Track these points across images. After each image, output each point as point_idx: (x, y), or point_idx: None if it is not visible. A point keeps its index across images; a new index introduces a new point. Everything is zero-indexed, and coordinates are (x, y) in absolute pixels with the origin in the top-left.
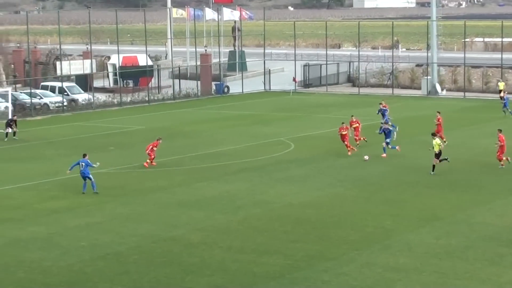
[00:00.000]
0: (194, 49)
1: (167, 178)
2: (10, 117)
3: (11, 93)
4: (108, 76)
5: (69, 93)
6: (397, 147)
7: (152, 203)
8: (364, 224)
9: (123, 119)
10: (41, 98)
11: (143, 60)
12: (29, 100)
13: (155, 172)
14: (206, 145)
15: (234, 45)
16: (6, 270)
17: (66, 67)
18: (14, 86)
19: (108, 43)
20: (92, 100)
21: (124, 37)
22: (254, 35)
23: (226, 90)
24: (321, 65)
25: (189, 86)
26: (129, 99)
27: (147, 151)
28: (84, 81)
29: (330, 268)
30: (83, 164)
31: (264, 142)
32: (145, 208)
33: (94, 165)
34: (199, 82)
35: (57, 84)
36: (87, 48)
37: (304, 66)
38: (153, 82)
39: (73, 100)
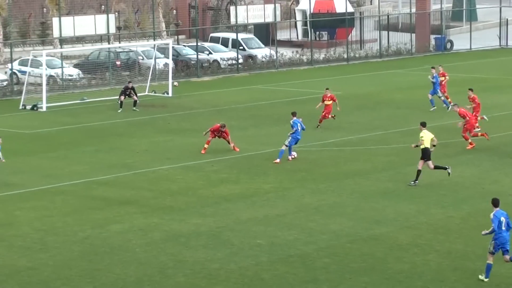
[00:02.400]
0: None
1: (369, 159)
2: (170, 76)
3: (172, 47)
4: (295, 26)
5: (246, 48)
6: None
7: (349, 192)
8: None
9: (314, 81)
10: (210, 53)
11: (341, 6)
12: (195, 56)
13: (353, 152)
14: (420, 118)
15: None
16: (163, 272)
17: (243, 14)
18: (176, 37)
19: None
20: (275, 57)
21: None
22: None
23: (448, 45)
24: None
25: (401, 40)
26: (322, 56)
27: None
28: (265, 33)
29: None
30: (299, 125)
31: (498, 114)
32: (340, 198)
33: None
34: (413, 35)
35: (231, 35)
36: None
37: None
38: (354, 34)
39: (251, 57)
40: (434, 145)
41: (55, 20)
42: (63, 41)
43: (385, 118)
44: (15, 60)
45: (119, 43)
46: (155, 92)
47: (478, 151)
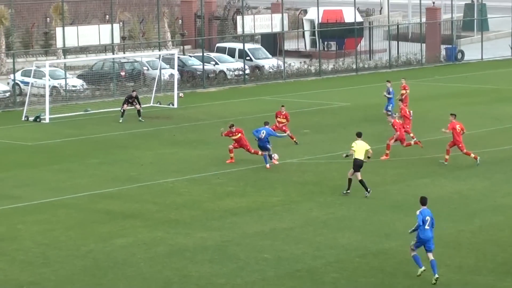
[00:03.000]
0: (418, 1)
1: (378, 172)
2: (175, 87)
3: (178, 57)
4: (303, 36)
5: (253, 58)
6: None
7: (358, 205)
8: None
9: (322, 92)
10: (216, 64)
11: (350, 15)
12: (201, 67)
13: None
14: (430, 129)
15: None
16: None
17: (250, 24)
18: (181, 48)
19: None
20: (283, 68)
21: None
22: None
23: (459, 56)
24: None
25: (411, 50)
26: (330, 66)
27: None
28: (272, 43)
29: None
30: (264, 132)
31: (510, 126)
32: (348, 211)
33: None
34: (423, 45)
35: (237, 45)
36: None
37: None
38: (363, 44)
39: (258, 67)
40: (369, 157)
41: (58, 30)
42: (66, 51)
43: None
44: (18, 70)
45: (124, 53)
46: (160, 103)
47: (489, 164)
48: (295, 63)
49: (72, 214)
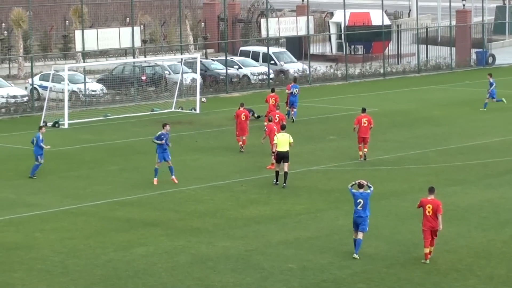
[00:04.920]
0: (447, 4)
1: (406, 179)
2: (198, 92)
3: (200, 61)
4: (329, 40)
5: (277, 62)
6: None
7: (386, 213)
8: None
9: (348, 97)
10: (240, 68)
11: (377, 18)
12: (224, 71)
13: (390, 171)
14: (461, 136)
15: None
16: None
17: (274, 27)
18: (204, 51)
19: None
20: (308, 72)
21: None
22: None
23: (490, 60)
24: None
25: (440, 54)
26: (357, 70)
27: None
28: (297, 46)
29: None
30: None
31: None
32: (376, 220)
33: (44, 146)
34: (453, 48)
35: (262, 49)
36: (303, 1)
37: None
38: (391, 48)
39: (282, 71)
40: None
41: (77, 33)
42: (86, 55)
43: (423, 136)
44: (36, 74)
45: (145, 57)
46: (182, 109)
47: None
48: (320, 68)
49: (91, 222)
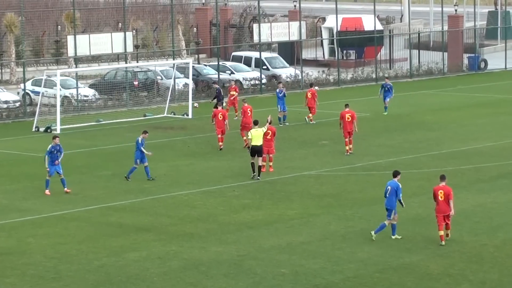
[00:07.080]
0: (439, 9)
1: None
2: (190, 97)
3: (193, 66)
4: (322, 45)
5: (270, 67)
6: None
7: (378, 218)
8: None
9: (341, 102)
10: (232, 73)
11: (370, 23)
12: (216, 76)
13: (382, 176)
14: (453, 141)
15: (495, 4)
16: None
17: (266, 32)
18: (196, 56)
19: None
20: (300, 77)
21: None
22: None
23: (482, 65)
24: None
25: (432, 59)
26: (349, 76)
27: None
28: (289, 51)
29: None
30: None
31: None
32: (368, 225)
33: (146, 152)
34: (445, 54)
35: (254, 54)
36: (295, 6)
37: None
38: (383, 53)
39: (275, 77)
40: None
41: (70, 38)
42: (78, 60)
43: (415, 141)
44: (28, 80)
45: (137, 62)
46: (174, 114)
47: None
48: (313, 73)
49: (84, 227)
